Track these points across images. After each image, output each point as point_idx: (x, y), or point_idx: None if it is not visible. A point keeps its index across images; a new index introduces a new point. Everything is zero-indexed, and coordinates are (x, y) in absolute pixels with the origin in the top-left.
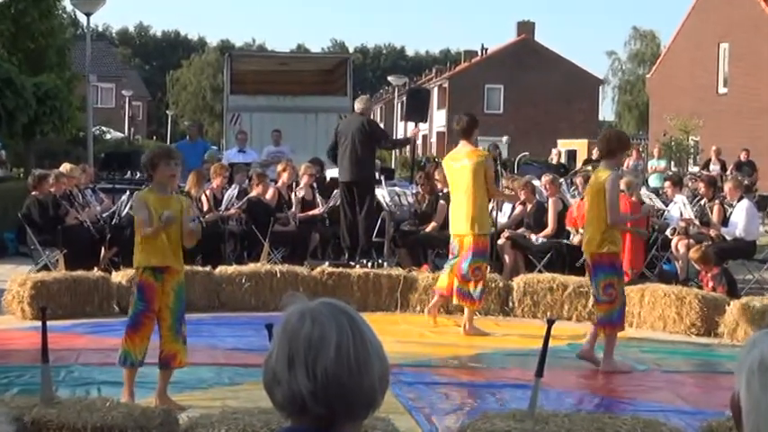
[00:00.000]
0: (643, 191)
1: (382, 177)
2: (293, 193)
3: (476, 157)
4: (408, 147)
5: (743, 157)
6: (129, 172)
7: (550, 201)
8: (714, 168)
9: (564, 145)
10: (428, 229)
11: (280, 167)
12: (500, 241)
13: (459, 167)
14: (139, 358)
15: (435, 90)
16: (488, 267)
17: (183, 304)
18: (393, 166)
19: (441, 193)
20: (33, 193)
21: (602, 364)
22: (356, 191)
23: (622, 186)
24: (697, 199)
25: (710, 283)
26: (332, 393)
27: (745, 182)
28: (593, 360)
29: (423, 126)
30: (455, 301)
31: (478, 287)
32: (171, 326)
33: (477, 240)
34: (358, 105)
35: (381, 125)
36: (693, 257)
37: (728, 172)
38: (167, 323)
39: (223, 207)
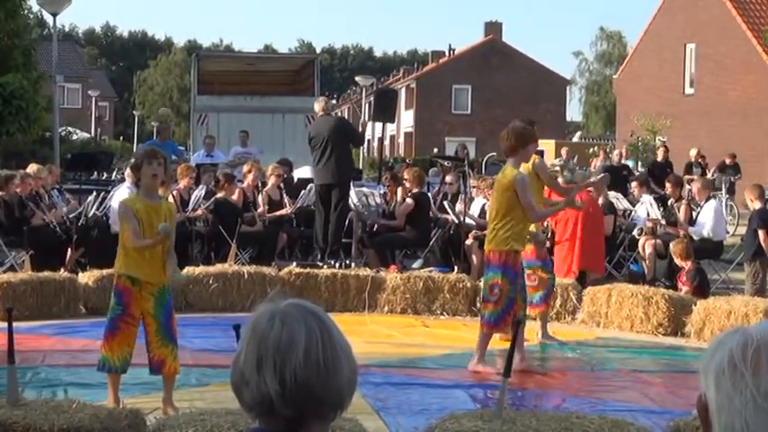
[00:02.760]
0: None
1: None
2: (260, 194)
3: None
4: (376, 147)
5: (728, 160)
6: (95, 172)
7: None
8: (697, 171)
9: None
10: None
11: (245, 168)
12: (468, 241)
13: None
14: (118, 364)
15: (403, 90)
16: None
17: (167, 309)
18: (360, 167)
19: (409, 193)
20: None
21: (471, 362)
22: (335, 192)
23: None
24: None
25: (683, 278)
26: (300, 395)
27: (731, 180)
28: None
29: (390, 126)
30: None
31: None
32: (157, 331)
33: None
34: (321, 106)
35: None
36: (674, 249)
37: (710, 174)
38: (152, 328)
39: (190, 208)
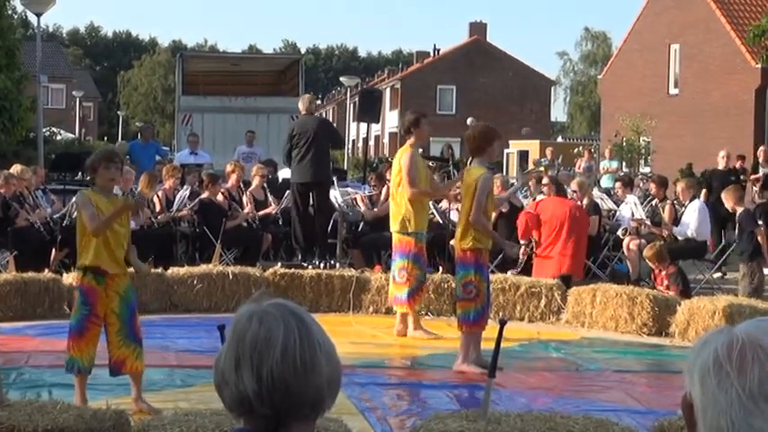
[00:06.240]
0: (594, 191)
1: (335, 178)
2: (244, 194)
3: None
4: (361, 147)
5: None
6: (80, 173)
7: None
8: (765, 171)
9: (516, 146)
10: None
11: (228, 168)
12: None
13: (395, 167)
14: (87, 365)
15: (387, 91)
16: (415, 268)
17: (131, 308)
18: (345, 167)
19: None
20: None
21: (455, 362)
22: (315, 191)
23: (574, 187)
24: (648, 199)
25: (665, 282)
26: (277, 394)
27: None
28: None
29: (375, 127)
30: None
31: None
32: (119, 330)
33: (402, 240)
34: (306, 105)
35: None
36: (648, 255)
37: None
38: (115, 328)
39: (175, 208)
